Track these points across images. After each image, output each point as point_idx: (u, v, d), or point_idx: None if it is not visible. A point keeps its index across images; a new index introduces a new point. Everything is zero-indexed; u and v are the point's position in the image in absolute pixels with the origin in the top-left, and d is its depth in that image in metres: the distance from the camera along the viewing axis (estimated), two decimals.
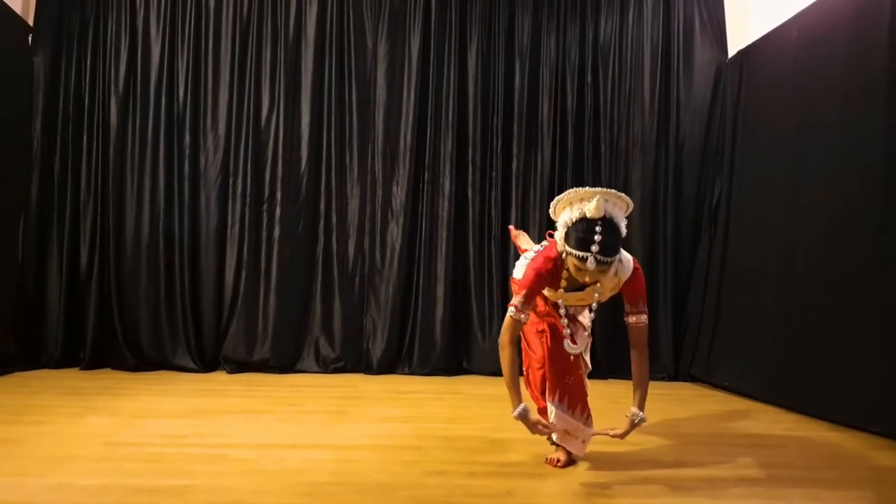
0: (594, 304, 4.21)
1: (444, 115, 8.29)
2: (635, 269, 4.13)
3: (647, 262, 8.16)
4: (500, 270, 8.23)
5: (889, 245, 5.32)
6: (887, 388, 5.23)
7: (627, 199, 3.91)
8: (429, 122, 8.33)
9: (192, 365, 7.91)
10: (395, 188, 8.27)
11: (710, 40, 8.41)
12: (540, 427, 4.02)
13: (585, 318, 4.48)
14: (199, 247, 8.21)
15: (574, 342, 4.31)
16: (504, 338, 4.06)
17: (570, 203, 3.88)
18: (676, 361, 8.17)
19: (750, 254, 7.26)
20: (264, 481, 3.96)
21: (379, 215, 8.27)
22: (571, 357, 4.29)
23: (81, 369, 7.79)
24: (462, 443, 4.92)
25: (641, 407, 4.13)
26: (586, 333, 4.45)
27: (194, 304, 8.14)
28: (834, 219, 5.94)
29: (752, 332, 7.01)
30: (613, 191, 3.86)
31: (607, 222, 3.74)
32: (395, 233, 8.22)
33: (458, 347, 8.23)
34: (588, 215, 3.72)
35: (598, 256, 3.65)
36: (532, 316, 4.37)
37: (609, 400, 6.55)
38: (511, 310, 4.03)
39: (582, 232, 3.71)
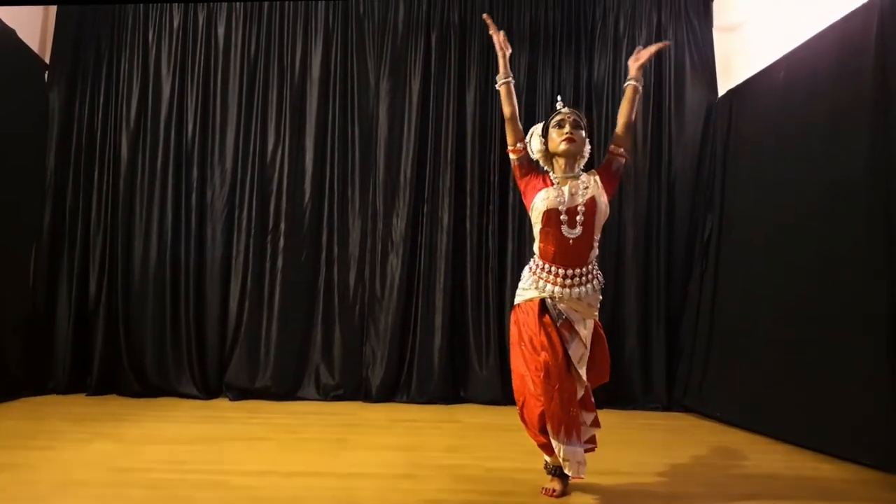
0: (582, 203, 4.40)
1: (443, 150, 8.30)
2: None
3: (641, 294, 8.21)
4: (497, 301, 8.19)
5: (876, 278, 5.30)
6: (878, 420, 5.20)
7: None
8: (428, 158, 8.34)
9: (195, 392, 7.87)
10: (395, 220, 8.26)
11: (700, 80, 8.44)
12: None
13: (585, 329, 4.44)
14: (205, 276, 8.21)
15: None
16: (515, 115, 4.63)
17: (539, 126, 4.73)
18: (669, 392, 8.09)
19: (740, 287, 7.24)
20: None
21: (379, 247, 8.25)
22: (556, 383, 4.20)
23: (88, 395, 7.76)
24: (459, 471, 4.88)
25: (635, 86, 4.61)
26: (583, 345, 4.40)
27: (199, 333, 8.13)
28: (822, 252, 5.94)
29: (744, 364, 6.97)
30: None
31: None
32: (395, 264, 8.20)
33: (455, 376, 8.17)
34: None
35: (568, 107, 4.61)
36: (529, 351, 4.33)
37: (604, 430, 6.49)
38: (522, 142, 4.60)
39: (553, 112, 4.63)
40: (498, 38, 4.67)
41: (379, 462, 5.11)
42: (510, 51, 4.70)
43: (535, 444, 4.42)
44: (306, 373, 8.17)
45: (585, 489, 4.37)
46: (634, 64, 4.57)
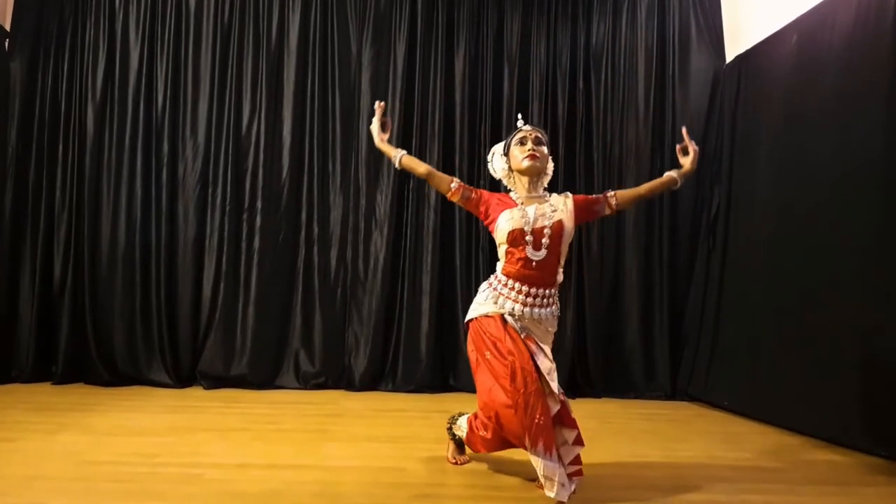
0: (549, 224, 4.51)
1: (430, 122, 8.35)
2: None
3: (643, 275, 8.29)
4: None
5: (892, 257, 5.34)
6: (893, 410, 5.22)
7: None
8: (414, 130, 8.37)
9: (167, 380, 7.92)
10: (379, 197, 8.30)
11: (706, 45, 8.47)
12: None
13: (548, 345, 4.51)
14: (177, 257, 8.23)
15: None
16: (432, 169, 4.84)
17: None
18: (673, 380, 8.15)
19: (750, 267, 7.25)
20: None
21: (362, 225, 8.29)
22: (531, 390, 4.21)
23: (53, 384, 7.81)
24: (448, 464, 4.95)
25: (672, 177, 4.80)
26: (549, 360, 4.39)
27: (170, 317, 8.17)
28: (838, 230, 5.95)
29: (753, 350, 7.00)
30: None
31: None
32: (379, 243, 8.25)
33: (443, 363, 8.23)
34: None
35: (530, 125, 4.72)
36: (495, 356, 4.35)
37: (602, 420, 6.59)
38: (455, 179, 4.73)
39: (514, 130, 4.76)
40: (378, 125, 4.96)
41: (363, 454, 5.18)
42: (387, 134, 4.96)
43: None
44: (285, 360, 8.23)
45: (586, 481, 4.37)
46: (686, 160, 4.80)
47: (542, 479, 4.11)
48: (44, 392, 7.42)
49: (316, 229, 8.33)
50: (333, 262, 8.33)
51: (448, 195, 4.71)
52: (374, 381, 8.12)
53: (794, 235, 6.52)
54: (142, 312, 8.08)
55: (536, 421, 4.10)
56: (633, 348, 8.24)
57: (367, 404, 7.29)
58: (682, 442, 5.91)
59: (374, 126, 4.88)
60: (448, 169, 8.26)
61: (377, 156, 8.26)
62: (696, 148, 4.80)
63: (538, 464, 4.11)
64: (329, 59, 8.45)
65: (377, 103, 4.94)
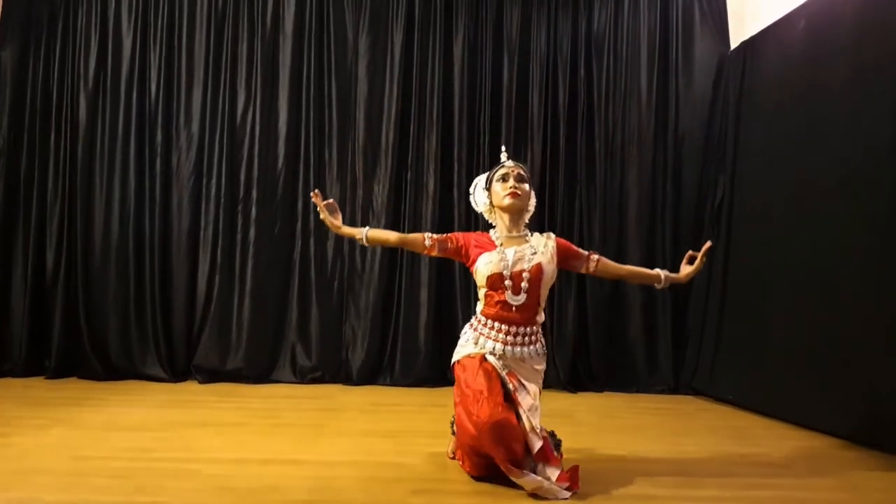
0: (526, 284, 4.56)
1: (428, 110, 8.34)
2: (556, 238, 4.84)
3: (645, 265, 8.06)
4: None
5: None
6: None
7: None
8: (412, 118, 8.35)
9: (161, 374, 7.93)
10: (376, 187, 8.29)
11: (710, 31, 8.46)
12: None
13: (535, 383, 4.55)
14: (171, 249, 8.23)
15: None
16: (402, 235, 5.04)
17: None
18: (677, 373, 8.15)
19: (755, 258, 7.22)
20: (238, 499, 4.02)
21: (359, 216, 8.25)
22: (500, 415, 4.19)
23: (46, 378, 7.83)
24: (447, 459, 4.96)
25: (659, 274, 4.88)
26: (531, 398, 4.44)
27: (165, 310, 8.17)
28: (845, 221, 5.92)
29: (758, 343, 6.98)
30: None
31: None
32: None
33: (442, 356, 8.09)
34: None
35: (511, 160, 4.88)
36: (467, 394, 4.37)
37: (604, 414, 6.59)
38: (427, 235, 4.82)
39: (496, 165, 4.92)
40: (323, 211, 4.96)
41: (360, 449, 5.19)
42: (339, 218, 5.01)
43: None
44: (281, 354, 8.23)
45: (587, 478, 4.37)
46: (686, 270, 4.88)
47: (530, 493, 4.14)
48: (37, 386, 7.45)
49: (312, 220, 8.29)
50: (330, 254, 8.33)
51: (426, 252, 4.81)
52: (371, 374, 8.13)
53: (801, 225, 6.50)
54: (136, 306, 8.08)
55: (511, 447, 4.14)
56: (636, 341, 8.23)
57: (364, 399, 7.29)
58: (687, 436, 5.92)
59: (325, 216, 4.89)
60: (446, 158, 8.35)
61: (374, 145, 8.31)
62: (702, 267, 4.87)
63: (520, 482, 4.16)
64: (325, 46, 8.42)
65: (312, 194, 5.00)
